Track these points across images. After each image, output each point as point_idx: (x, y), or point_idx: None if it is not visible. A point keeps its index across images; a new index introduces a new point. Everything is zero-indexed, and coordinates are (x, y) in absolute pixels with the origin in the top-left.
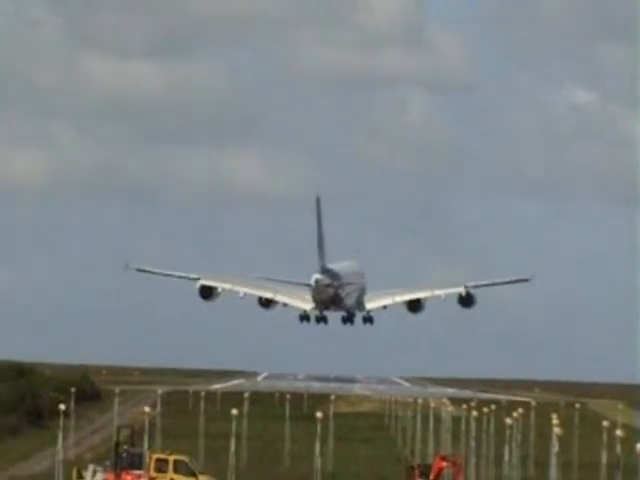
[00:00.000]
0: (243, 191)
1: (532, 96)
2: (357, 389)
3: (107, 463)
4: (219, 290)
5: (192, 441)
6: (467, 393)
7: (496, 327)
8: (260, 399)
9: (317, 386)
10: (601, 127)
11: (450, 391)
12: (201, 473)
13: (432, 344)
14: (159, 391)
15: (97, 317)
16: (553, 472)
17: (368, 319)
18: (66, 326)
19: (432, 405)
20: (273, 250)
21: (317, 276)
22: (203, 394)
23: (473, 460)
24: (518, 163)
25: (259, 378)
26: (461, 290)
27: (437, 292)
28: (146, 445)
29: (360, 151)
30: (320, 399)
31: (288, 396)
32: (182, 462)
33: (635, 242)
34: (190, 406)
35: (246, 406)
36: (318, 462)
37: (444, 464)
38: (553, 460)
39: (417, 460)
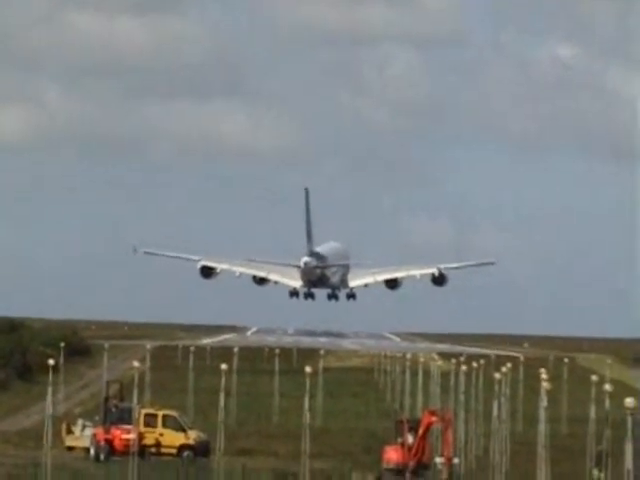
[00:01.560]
0: (229, 146)
1: (518, 50)
2: (347, 344)
3: (96, 418)
4: (218, 270)
5: (181, 396)
6: (456, 348)
7: (484, 282)
8: (249, 354)
9: (306, 341)
10: (587, 81)
11: (439, 346)
12: (190, 428)
13: (421, 300)
14: (148, 346)
15: (86, 272)
16: (542, 426)
17: (351, 295)
18: (55, 281)
19: (421, 360)
20: (259, 206)
21: (305, 259)
22: (192, 349)
23: (462, 415)
24: (504, 118)
25: (248, 333)
26: (434, 271)
27: (412, 272)
28: (135, 400)
29: (345, 107)
30: (309, 354)
31: (277, 351)
32: (171, 417)
33: (625, 195)
34: (179, 361)
35: (235, 361)
36: (307, 417)
37: (433, 419)
38: (542, 414)
39: (406, 415)
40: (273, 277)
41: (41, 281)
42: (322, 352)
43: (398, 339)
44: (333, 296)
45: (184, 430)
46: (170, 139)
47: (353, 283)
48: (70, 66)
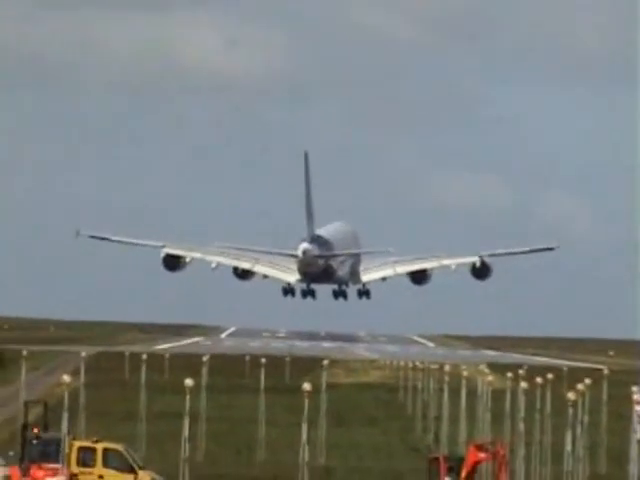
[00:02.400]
0: (194, 72)
1: None
2: (360, 351)
3: (11, 453)
4: (187, 259)
5: (129, 423)
6: (513, 357)
7: (552, 270)
8: (225, 364)
9: (304, 346)
10: None
11: (489, 354)
12: (141, 467)
13: (464, 291)
14: (83, 353)
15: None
16: (634, 468)
17: (364, 292)
18: None
19: (464, 373)
20: (241, 169)
21: (305, 245)
22: (145, 357)
23: (522, 450)
24: (554, 35)
25: (223, 335)
26: (475, 260)
27: (446, 262)
28: (65, 428)
29: (351, 20)
30: (308, 364)
31: (263, 360)
32: (115, 452)
33: None
34: (127, 374)
35: (205, 374)
36: (305, 453)
37: (481, 456)
38: (634, 451)
39: (443, 450)
40: (261, 269)
41: None
42: (326, 362)
43: (431, 344)
44: (340, 293)
45: (133, 470)
46: (111, 60)
47: (367, 277)
48: None
